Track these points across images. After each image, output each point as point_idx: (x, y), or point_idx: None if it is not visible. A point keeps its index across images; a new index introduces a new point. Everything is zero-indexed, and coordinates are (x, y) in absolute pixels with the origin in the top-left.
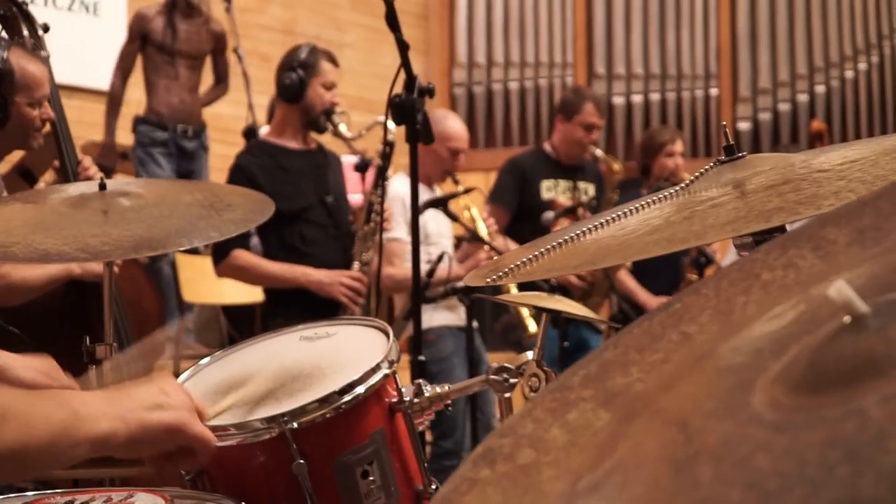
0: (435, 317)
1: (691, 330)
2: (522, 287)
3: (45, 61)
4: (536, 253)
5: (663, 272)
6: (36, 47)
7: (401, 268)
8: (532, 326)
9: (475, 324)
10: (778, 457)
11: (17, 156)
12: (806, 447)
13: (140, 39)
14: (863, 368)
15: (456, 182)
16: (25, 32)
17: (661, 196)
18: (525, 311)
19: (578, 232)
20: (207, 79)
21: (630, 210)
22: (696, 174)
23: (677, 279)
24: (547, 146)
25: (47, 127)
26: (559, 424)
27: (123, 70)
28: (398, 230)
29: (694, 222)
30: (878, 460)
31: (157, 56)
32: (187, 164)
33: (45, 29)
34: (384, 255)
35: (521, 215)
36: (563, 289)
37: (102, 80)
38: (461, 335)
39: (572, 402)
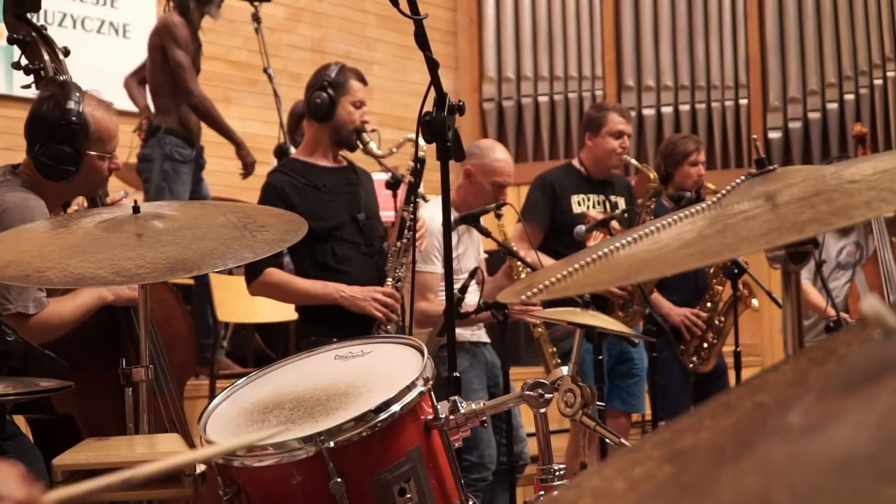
0: None
1: (764, 399)
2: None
3: (110, 108)
4: (571, 269)
5: (686, 283)
6: (57, 72)
7: (434, 302)
8: (553, 368)
9: (486, 339)
10: (793, 448)
11: None
12: (819, 434)
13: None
14: (887, 367)
15: (498, 216)
16: (46, 57)
17: (693, 210)
18: (549, 350)
19: (612, 247)
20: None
21: (662, 224)
22: (728, 187)
23: (701, 290)
24: (575, 162)
25: None
26: (624, 478)
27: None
28: (433, 263)
29: (727, 235)
30: (878, 428)
31: (192, 66)
32: (197, 182)
33: (66, 53)
34: (417, 289)
35: (554, 231)
36: (602, 299)
37: (132, 102)
38: (477, 350)
39: (640, 461)
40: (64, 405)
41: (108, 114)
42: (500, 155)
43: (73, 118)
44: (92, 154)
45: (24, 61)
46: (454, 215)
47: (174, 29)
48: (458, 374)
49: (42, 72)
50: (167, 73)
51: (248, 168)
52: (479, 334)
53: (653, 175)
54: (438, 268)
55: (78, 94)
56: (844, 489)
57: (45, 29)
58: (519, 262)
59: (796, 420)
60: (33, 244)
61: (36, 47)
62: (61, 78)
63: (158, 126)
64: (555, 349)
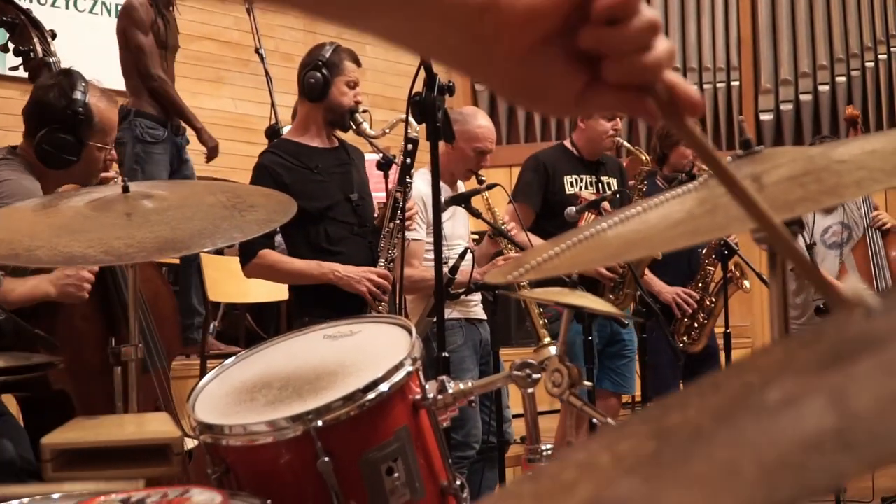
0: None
1: (753, 379)
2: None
3: (112, 100)
4: (559, 248)
5: (679, 263)
6: (46, 54)
7: (418, 268)
8: (546, 338)
9: (482, 315)
10: (765, 424)
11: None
12: (791, 410)
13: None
14: (865, 344)
15: (480, 181)
16: (35, 39)
17: (681, 191)
18: (540, 321)
19: (601, 227)
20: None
21: (652, 204)
22: None
23: (693, 270)
24: (567, 143)
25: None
26: (609, 453)
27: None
28: (417, 230)
29: (717, 215)
30: (848, 404)
31: (154, 49)
32: (181, 161)
33: (53, 35)
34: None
35: (546, 212)
36: (593, 281)
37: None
38: (471, 328)
39: (626, 437)
40: (59, 382)
41: (111, 105)
42: (482, 121)
43: (79, 108)
44: (92, 145)
45: (11, 44)
46: (444, 195)
47: (133, 12)
48: (447, 354)
49: (32, 54)
50: (132, 55)
51: (210, 152)
52: (476, 311)
53: (644, 157)
54: (422, 235)
55: (83, 84)
56: (810, 463)
57: (33, 11)
58: (509, 244)
59: (773, 396)
60: (23, 223)
61: (25, 30)
62: (52, 60)
63: (129, 109)
64: (542, 309)
